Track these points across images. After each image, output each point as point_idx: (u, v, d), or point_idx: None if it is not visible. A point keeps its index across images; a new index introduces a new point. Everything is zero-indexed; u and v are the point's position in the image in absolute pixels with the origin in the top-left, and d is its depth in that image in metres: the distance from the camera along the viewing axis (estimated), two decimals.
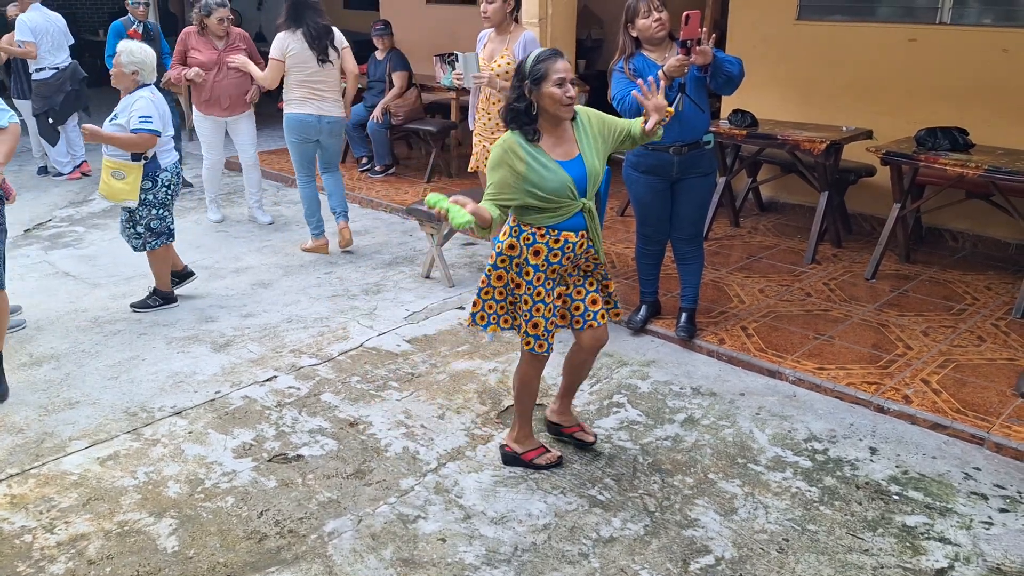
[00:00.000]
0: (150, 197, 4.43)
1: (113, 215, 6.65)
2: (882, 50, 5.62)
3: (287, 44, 5.21)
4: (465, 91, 5.54)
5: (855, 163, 5.50)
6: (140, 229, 4.49)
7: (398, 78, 7.32)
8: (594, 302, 3.00)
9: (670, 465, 3.20)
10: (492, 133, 4.59)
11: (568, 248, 2.85)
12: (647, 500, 2.98)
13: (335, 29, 5.36)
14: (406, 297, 4.92)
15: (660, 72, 3.65)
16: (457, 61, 4.48)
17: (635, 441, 3.36)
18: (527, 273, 2.87)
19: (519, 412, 3.18)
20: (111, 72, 4.41)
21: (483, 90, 4.58)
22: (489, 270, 2.95)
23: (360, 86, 7.79)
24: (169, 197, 4.52)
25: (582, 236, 2.86)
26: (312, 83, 5.26)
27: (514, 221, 2.89)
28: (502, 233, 2.93)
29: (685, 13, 3.53)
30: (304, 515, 2.89)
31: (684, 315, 4.23)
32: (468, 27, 5.37)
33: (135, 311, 4.66)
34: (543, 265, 2.86)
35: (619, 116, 3.92)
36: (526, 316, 2.90)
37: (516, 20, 4.49)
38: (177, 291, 4.83)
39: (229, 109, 6.01)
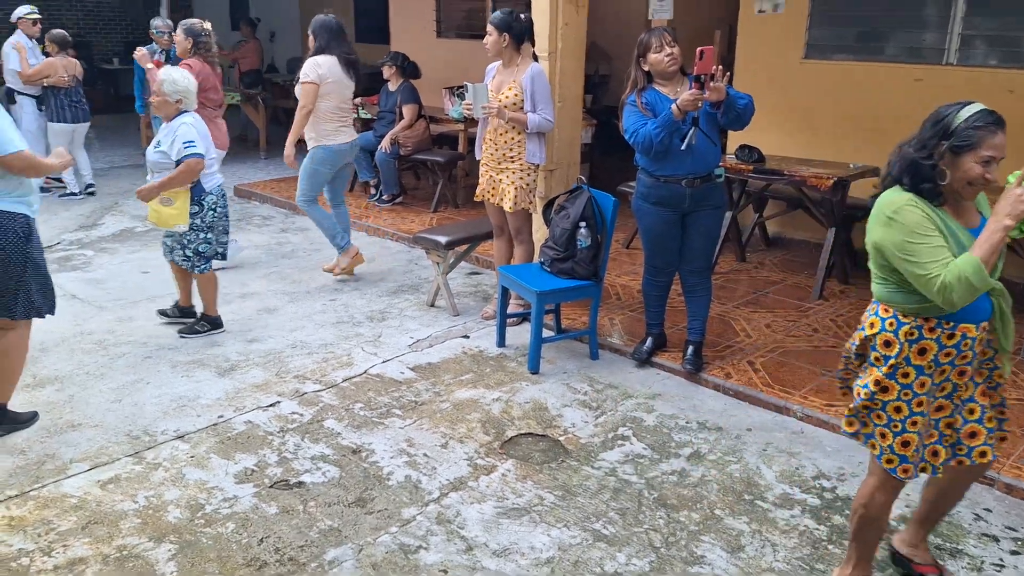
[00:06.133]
0: (197, 221, 4.46)
1: (122, 239, 6.68)
2: (889, 89, 5.66)
3: (324, 69, 5.21)
4: (473, 122, 5.59)
5: (862, 200, 5.51)
6: (189, 253, 4.52)
7: (408, 110, 7.38)
8: (986, 423, 2.37)
9: (676, 500, 3.16)
10: (499, 164, 4.62)
11: (965, 346, 2.25)
12: (652, 535, 2.94)
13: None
14: (411, 325, 4.91)
15: (673, 106, 3.70)
16: (467, 92, 4.51)
17: (640, 475, 3.33)
18: (905, 375, 2.27)
19: (857, 548, 2.52)
20: (152, 100, 4.46)
21: (491, 121, 4.62)
22: (873, 384, 2.32)
23: (370, 116, 7.88)
24: (216, 220, 4.55)
25: (983, 329, 2.27)
26: (344, 110, 5.36)
27: (887, 311, 2.31)
28: (868, 324, 2.36)
29: (699, 48, 3.57)
30: (305, 543, 2.86)
31: (691, 348, 4.21)
32: (477, 61, 5.42)
33: (183, 337, 4.64)
34: (929, 367, 2.26)
35: (632, 149, 3.99)
36: (895, 428, 2.30)
37: (525, 53, 4.54)
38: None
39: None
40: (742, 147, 5.45)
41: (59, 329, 4.68)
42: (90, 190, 8.05)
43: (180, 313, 4.86)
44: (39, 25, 7.72)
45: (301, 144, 5.31)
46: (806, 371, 4.18)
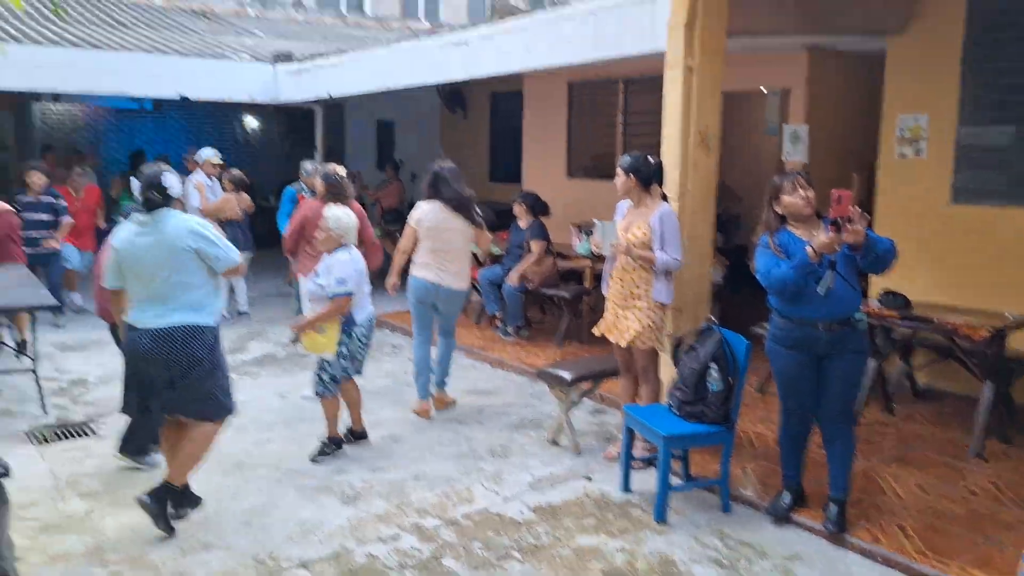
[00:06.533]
0: (343, 349, 4.71)
1: (264, 364, 7.04)
2: None
3: (420, 213, 5.50)
4: (600, 259, 5.66)
5: (1021, 352, 5.10)
6: (326, 377, 4.74)
7: (536, 245, 7.58)
8: None
9: None
10: (625, 301, 4.61)
11: None
12: None
13: (476, 207, 5.59)
14: (532, 462, 4.83)
15: (809, 248, 3.62)
16: (595, 230, 4.60)
17: None
18: None
19: None
20: (317, 235, 4.82)
21: (619, 258, 4.65)
22: None
23: (499, 251, 8.14)
24: (360, 350, 4.80)
25: None
26: (438, 252, 5.47)
27: None
28: None
29: (836, 192, 3.52)
30: None
31: (833, 506, 3.90)
32: (606, 199, 5.56)
33: (315, 462, 4.78)
34: None
35: (764, 290, 3.90)
36: None
37: (654, 193, 4.61)
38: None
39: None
40: (886, 293, 5.22)
41: (230, 446, 4.89)
42: (243, 315, 8.64)
43: (354, 437, 5.04)
44: (219, 167, 8.65)
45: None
46: (964, 538, 3.77)
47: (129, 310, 3.85)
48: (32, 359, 5.85)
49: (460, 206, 5.50)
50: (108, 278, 3.91)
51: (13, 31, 9.42)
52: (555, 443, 5.13)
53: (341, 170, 6.09)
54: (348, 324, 4.70)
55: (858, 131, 7.46)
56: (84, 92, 9.27)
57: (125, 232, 3.82)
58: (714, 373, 4.11)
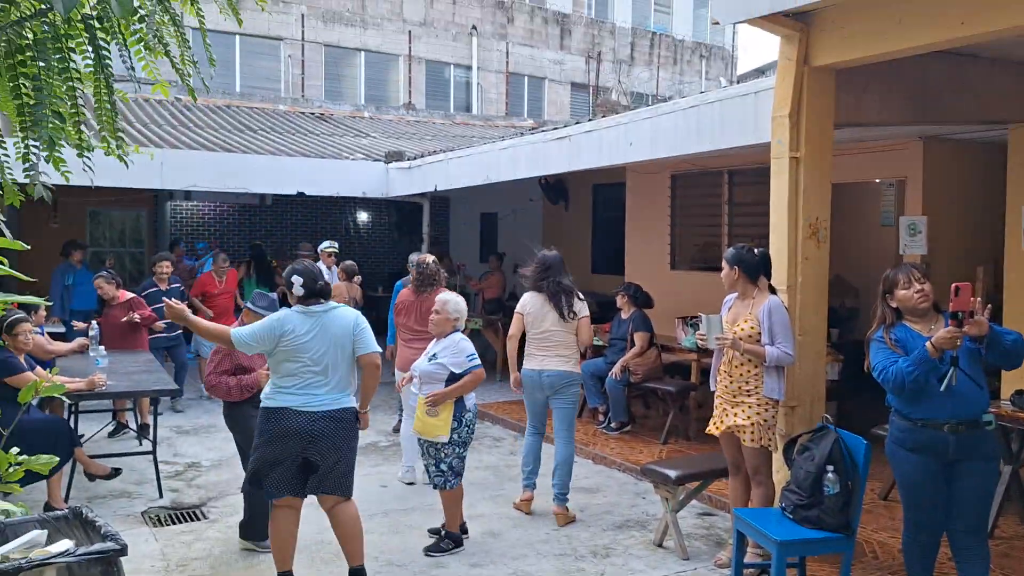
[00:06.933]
0: (455, 436, 4.74)
1: (367, 452, 7.11)
2: None
3: (527, 302, 5.55)
4: (707, 353, 5.51)
5: None
6: (443, 467, 4.76)
7: (639, 338, 7.48)
8: None
9: None
10: (734, 396, 4.45)
11: None
12: None
13: (579, 297, 5.56)
14: (636, 565, 4.63)
15: (928, 343, 3.43)
16: (701, 323, 4.51)
17: None
18: None
19: None
20: (432, 319, 4.98)
21: (726, 352, 4.52)
22: None
23: (602, 343, 8.07)
24: (469, 437, 4.84)
25: None
26: (540, 341, 5.46)
27: None
28: None
29: (954, 285, 3.36)
30: None
31: None
32: (711, 292, 5.46)
33: (429, 555, 4.76)
34: None
35: (882, 388, 3.68)
36: None
37: (761, 286, 4.49)
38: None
39: None
40: (1019, 392, 4.85)
41: (303, 535, 4.93)
42: None
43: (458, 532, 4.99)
44: (333, 257, 9.09)
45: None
46: None
47: (282, 394, 4.05)
48: (152, 442, 6.12)
49: (559, 296, 5.52)
50: (251, 345, 4.09)
51: (153, 136, 10.31)
52: (660, 546, 4.91)
53: (430, 258, 6.29)
54: (460, 409, 4.73)
55: (981, 222, 7.12)
56: (214, 190, 9.99)
57: (295, 319, 4.09)
58: (831, 475, 3.87)
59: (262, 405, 4.14)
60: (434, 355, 4.82)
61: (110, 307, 7.50)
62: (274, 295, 4.99)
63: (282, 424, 4.00)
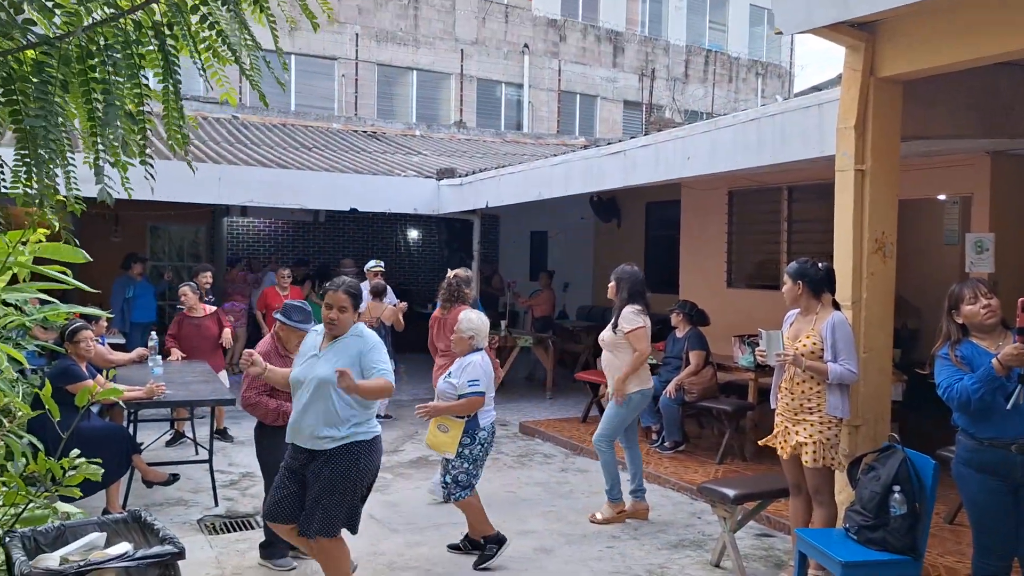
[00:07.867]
0: (465, 452, 4.73)
1: (419, 466, 7.12)
2: None
3: (647, 318, 5.52)
4: (766, 373, 5.39)
5: None
6: (448, 479, 4.74)
7: (694, 356, 7.35)
8: None
9: None
10: (795, 414, 4.33)
11: None
12: None
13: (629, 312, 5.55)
14: None
15: (995, 360, 3.29)
16: (760, 339, 4.40)
17: None
18: None
19: None
20: (452, 338, 4.98)
21: (787, 369, 4.41)
22: None
23: (656, 361, 7.95)
24: (482, 454, 4.80)
25: None
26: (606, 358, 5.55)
27: None
28: None
29: (1022, 300, 3.22)
30: None
31: None
32: (768, 310, 5.35)
33: (478, 569, 4.72)
34: None
35: (948, 409, 3.54)
36: None
37: (825, 301, 4.38)
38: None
39: None
40: None
41: (356, 547, 4.92)
42: (384, 418, 8.85)
43: (471, 546, 4.93)
44: (380, 276, 9.12)
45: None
46: None
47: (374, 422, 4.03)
48: (209, 451, 6.20)
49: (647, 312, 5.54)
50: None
51: (211, 152, 10.56)
52: (718, 566, 4.78)
53: (463, 272, 6.27)
54: (472, 427, 4.71)
55: None
56: (269, 205, 10.18)
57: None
58: (897, 496, 3.74)
59: (370, 438, 3.95)
60: (450, 373, 4.87)
61: (191, 318, 7.52)
62: (308, 307, 4.97)
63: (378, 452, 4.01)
